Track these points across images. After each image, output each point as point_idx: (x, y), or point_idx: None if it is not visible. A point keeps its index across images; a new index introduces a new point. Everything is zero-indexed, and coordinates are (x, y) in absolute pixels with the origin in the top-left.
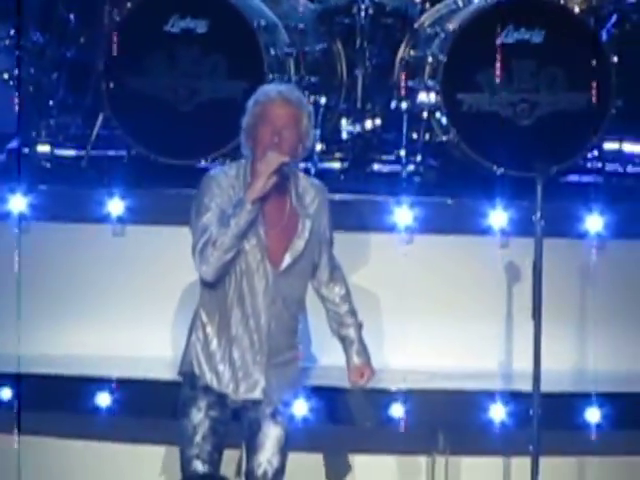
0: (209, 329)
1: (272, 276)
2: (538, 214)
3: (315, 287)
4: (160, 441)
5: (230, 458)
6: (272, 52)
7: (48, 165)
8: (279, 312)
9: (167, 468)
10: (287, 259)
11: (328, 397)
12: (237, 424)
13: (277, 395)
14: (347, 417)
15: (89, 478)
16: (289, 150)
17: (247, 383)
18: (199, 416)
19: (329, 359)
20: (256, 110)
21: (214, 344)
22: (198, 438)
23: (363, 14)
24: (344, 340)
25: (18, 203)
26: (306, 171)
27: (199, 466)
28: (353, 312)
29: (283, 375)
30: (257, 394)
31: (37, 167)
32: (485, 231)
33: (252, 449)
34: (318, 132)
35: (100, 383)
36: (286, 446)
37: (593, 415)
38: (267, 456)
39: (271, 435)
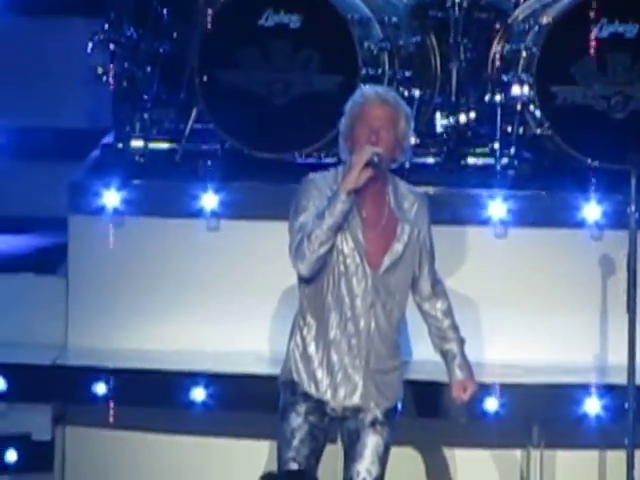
0: (307, 334)
1: (371, 279)
2: (632, 207)
3: (417, 302)
4: (254, 435)
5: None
6: (366, 46)
7: (142, 160)
8: (378, 317)
9: (260, 462)
10: (386, 262)
11: (423, 391)
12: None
13: (376, 402)
14: (442, 411)
15: (183, 473)
16: (385, 150)
17: (345, 388)
18: (298, 420)
19: (423, 353)
20: (354, 112)
21: (312, 349)
22: (296, 442)
23: (457, 8)
24: (446, 355)
25: (112, 198)
26: (400, 165)
27: (295, 468)
28: (455, 327)
29: (383, 383)
30: (355, 400)
31: (131, 162)
32: (579, 224)
33: (351, 458)
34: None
35: (194, 378)
36: (385, 455)
37: None
38: (366, 465)
39: (370, 444)
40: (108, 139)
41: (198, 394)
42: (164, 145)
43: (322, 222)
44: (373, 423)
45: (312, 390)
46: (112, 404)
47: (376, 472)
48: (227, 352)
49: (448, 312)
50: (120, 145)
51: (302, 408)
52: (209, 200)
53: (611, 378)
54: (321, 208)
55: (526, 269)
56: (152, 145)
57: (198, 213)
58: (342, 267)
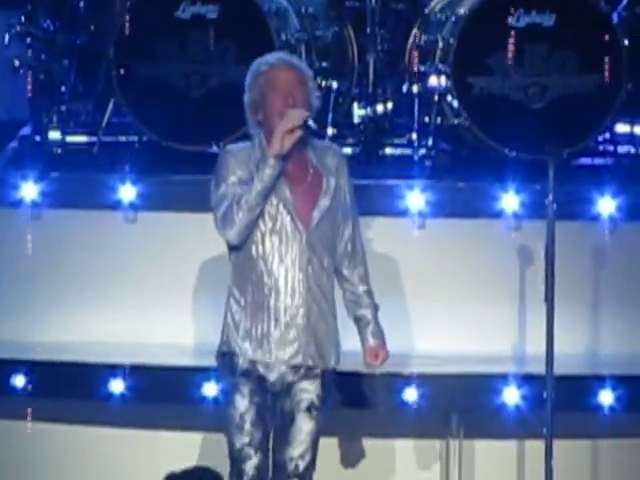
0: (243, 301)
1: (305, 235)
2: (550, 197)
3: (336, 264)
4: (173, 427)
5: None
6: (283, 37)
7: (59, 152)
8: (316, 272)
9: (180, 455)
10: (316, 216)
11: (342, 381)
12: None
13: (314, 360)
14: (361, 401)
15: (102, 465)
16: (304, 108)
17: (287, 348)
18: (245, 403)
19: (344, 344)
20: (260, 81)
21: (249, 314)
22: (247, 426)
23: None
24: (360, 321)
25: (30, 190)
26: None
27: (252, 454)
28: (370, 293)
29: (323, 338)
30: (299, 359)
31: (49, 154)
32: (497, 214)
33: (284, 441)
34: (330, 116)
35: (113, 370)
36: (318, 441)
37: (606, 397)
38: (300, 451)
39: (305, 430)
40: (25, 131)
41: (117, 386)
42: (82, 137)
43: (251, 188)
44: (309, 408)
45: (257, 355)
46: (30, 396)
47: (309, 457)
48: (146, 344)
49: (365, 278)
50: (38, 137)
51: (245, 389)
52: (127, 192)
53: (529, 368)
54: (248, 175)
55: (445, 260)
56: (70, 137)
57: (116, 205)
58: (272, 227)
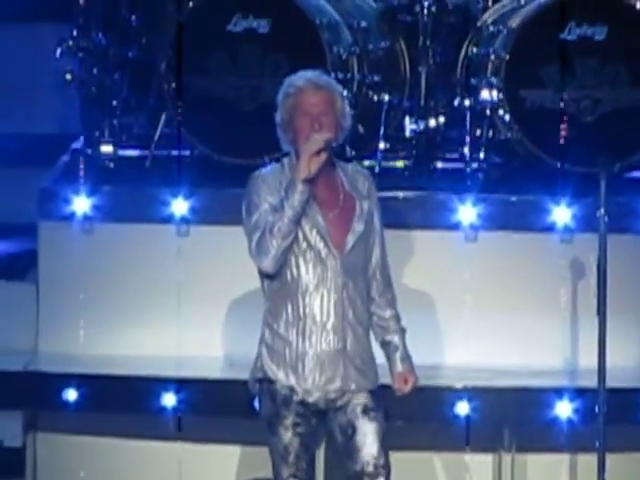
0: (277, 329)
1: (339, 260)
2: (602, 210)
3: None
4: (228, 440)
5: None
6: (335, 50)
7: (112, 165)
8: (351, 297)
9: (238, 466)
10: (350, 241)
11: (394, 395)
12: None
13: (357, 385)
14: (413, 414)
15: (151, 477)
16: (331, 133)
17: (325, 374)
18: (288, 435)
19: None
20: (288, 103)
21: (284, 341)
22: (291, 458)
23: (426, 12)
24: (388, 346)
25: (82, 204)
26: (370, 169)
27: None
28: (398, 318)
29: (362, 364)
30: (337, 384)
31: (101, 167)
32: (549, 228)
33: (353, 450)
34: (382, 130)
35: (165, 383)
36: (386, 441)
37: None
38: (373, 453)
39: (369, 432)
40: (77, 145)
41: (169, 400)
42: (134, 151)
43: (282, 215)
44: (365, 410)
45: (289, 382)
46: (83, 410)
47: (383, 460)
48: (198, 357)
49: (392, 302)
50: (90, 151)
51: (288, 420)
52: (179, 206)
53: (582, 381)
54: (278, 201)
55: (496, 273)
56: (122, 151)
57: (168, 219)
58: (306, 253)
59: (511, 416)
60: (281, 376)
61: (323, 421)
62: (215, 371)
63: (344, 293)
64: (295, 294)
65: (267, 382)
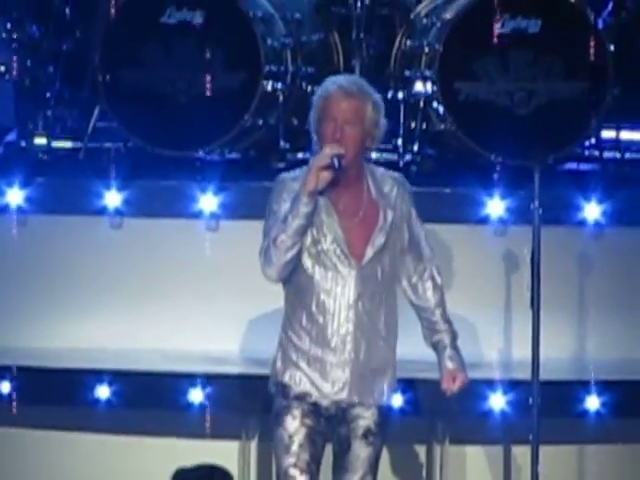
0: (293, 333)
1: (356, 271)
2: (536, 202)
3: (404, 287)
4: (158, 433)
5: None
6: (269, 43)
7: (45, 157)
8: (366, 309)
9: (165, 460)
10: (369, 252)
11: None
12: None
13: (363, 398)
14: None
15: (87, 471)
16: (351, 144)
17: (333, 384)
18: (294, 424)
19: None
20: (319, 105)
21: (298, 347)
22: (295, 447)
23: (359, 5)
24: (437, 346)
25: (16, 196)
26: (304, 162)
27: (296, 475)
28: (446, 319)
29: (372, 378)
30: (344, 395)
31: (34, 160)
32: (483, 220)
33: (342, 467)
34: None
35: (98, 375)
36: (377, 464)
37: (592, 403)
38: (358, 477)
39: (361, 456)
40: (11, 137)
41: (102, 392)
42: (67, 143)
43: (286, 226)
44: (365, 435)
45: (303, 387)
46: (16, 402)
47: None
48: (131, 349)
49: (440, 303)
50: (23, 143)
51: (297, 411)
52: (112, 198)
53: (515, 373)
54: (285, 212)
55: None
56: (55, 143)
57: (102, 211)
58: (324, 262)
59: (444, 408)
60: (296, 381)
61: (331, 425)
62: (150, 363)
63: (359, 304)
64: (310, 301)
65: (282, 386)
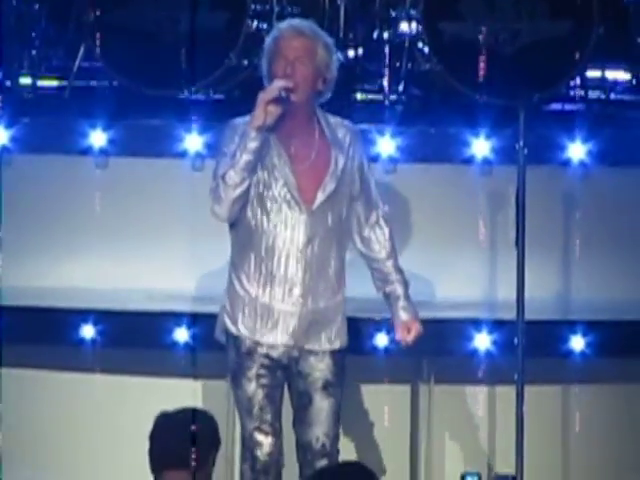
0: (241, 279)
1: (306, 215)
2: (521, 142)
3: (354, 237)
4: (144, 372)
5: None
6: None
7: (30, 96)
8: (316, 254)
9: (149, 399)
10: (319, 197)
11: None
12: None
13: (318, 342)
14: None
15: (71, 409)
16: (302, 82)
17: (284, 329)
18: (251, 387)
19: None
20: (269, 47)
21: (249, 294)
22: (256, 410)
23: None
24: (389, 296)
25: (1, 136)
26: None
27: (262, 440)
28: (399, 269)
29: (323, 322)
30: (295, 340)
31: (19, 99)
32: (468, 160)
33: (306, 422)
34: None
35: (83, 315)
36: (339, 414)
37: (577, 343)
38: (324, 430)
39: (324, 408)
40: None
41: (87, 331)
42: (53, 82)
43: (234, 162)
44: (325, 386)
45: (250, 336)
46: (0, 341)
47: (333, 434)
48: (116, 289)
49: (391, 253)
50: (8, 82)
51: (251, 372)
52: (98, 138)
53: (500, 313)
54: (234, 149)
55: (415, 205)
56: (41, 82)
57: (87, 150)
58: (273, 206)
59: (429, 348)
60: (244, 330)
61: (287, 374)
62: (135, 303)
63: (308, 250)
64: (259, 247)
65: (231, 336)
